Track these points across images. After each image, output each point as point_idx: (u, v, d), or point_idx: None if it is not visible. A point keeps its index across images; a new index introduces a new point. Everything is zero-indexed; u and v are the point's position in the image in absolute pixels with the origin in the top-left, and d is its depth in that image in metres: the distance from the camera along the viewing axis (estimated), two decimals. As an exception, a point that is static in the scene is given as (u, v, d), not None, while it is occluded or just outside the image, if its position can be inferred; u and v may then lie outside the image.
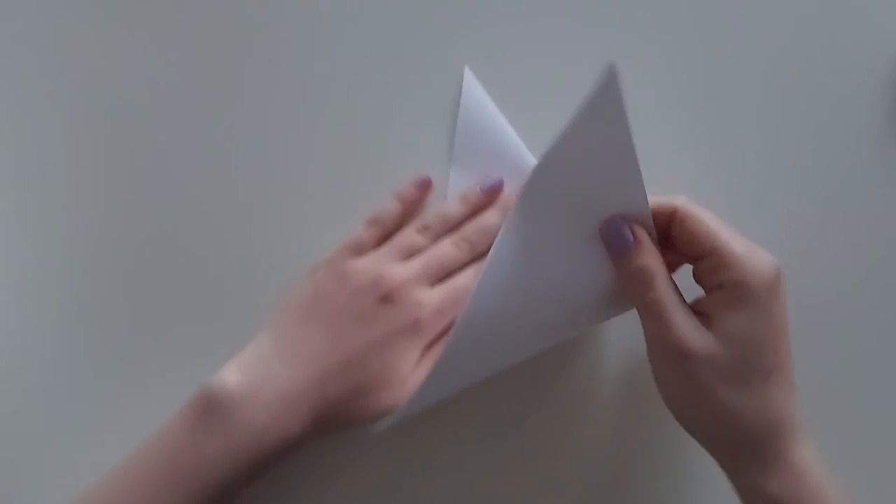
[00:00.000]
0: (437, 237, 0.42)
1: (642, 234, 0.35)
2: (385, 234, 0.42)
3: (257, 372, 0.37)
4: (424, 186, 0.43)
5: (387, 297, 0.39)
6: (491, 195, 0.42)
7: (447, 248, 0.41)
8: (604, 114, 0.31)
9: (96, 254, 0.43)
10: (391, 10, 0.43)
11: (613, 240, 0.35)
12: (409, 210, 0.43)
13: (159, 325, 0.43)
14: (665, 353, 0.35)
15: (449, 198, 0.43)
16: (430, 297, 0.39)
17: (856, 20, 0.43)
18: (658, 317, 0.34)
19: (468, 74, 0.43)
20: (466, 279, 0.40)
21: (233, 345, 0.39)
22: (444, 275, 0.41)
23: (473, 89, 0.43)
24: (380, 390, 0.38)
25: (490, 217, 0.42)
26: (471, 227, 0.42)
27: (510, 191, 0.42)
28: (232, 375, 0.37)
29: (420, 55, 0.43)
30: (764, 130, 0.43)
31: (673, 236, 0.36)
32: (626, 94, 0.31)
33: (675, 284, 0.35)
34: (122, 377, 0.43)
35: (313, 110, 0.43)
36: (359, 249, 0.41)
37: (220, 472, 0.35)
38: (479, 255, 0.42)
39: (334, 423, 0.39)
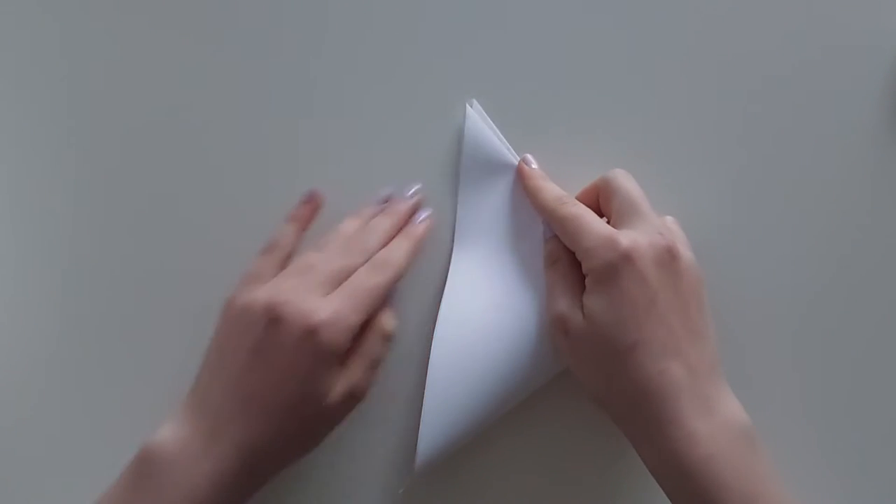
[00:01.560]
0: None
1: None
2: (283, 258, 0.41)
3: (188, 426, 0.36)
4: (312, 200, 0.42)
5: (274, 318, 0.36)
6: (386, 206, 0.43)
7: (333, 256, 0.39)
8: (479, 141, 0.43)
9: (95, 259, 0.44)
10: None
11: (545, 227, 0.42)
12: (303, 227, 0.42)
13: (160, 327, 0.43)
14: (552, 326, 0.38)
15: (457, 235, 0.43)
16: (324, 302, 0.37)
17: (856, 20, 0.43)
18: (550, 292, 0.39)
19: (471, 109, 0.43)
20: (360, 277, 0.38)
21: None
22: (335, 282, 0.38)
23: (477, 123, 0.43)
24: (308, 415, 0.36)
25: (379, 220, 0.41)
26: (359, 232, 0.41)
27: (519, 221, 0.43)
28: (164, 433, 0.36)
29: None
30: (763, 130, 0.43)
31: None
32: (485, 120, 0.42)
33: (579, 271, 0.38)
34: (125, 379, 0.43)
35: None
36: (257, 280, 0.39)
37: None
38: (372, 253, 0.40)
39: (281, 461, 0.37)
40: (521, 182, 0.42)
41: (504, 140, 0.43)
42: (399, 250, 0.40)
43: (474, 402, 0.39)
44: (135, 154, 0.45)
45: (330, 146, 0.44)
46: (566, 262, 0.39)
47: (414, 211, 0.43)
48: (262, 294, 0.37)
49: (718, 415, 0.35)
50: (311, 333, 0.36)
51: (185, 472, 0.35)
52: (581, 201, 0.40)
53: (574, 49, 0.44)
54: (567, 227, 0.38)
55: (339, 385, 0.37)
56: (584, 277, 0.38)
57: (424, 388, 0.39)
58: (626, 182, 0.39)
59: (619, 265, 0.35)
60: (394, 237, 0.41)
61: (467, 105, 0.44)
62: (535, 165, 0.42)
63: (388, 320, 0.39)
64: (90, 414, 0.43)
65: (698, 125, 0.43)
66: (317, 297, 0.37)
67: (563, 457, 0.42)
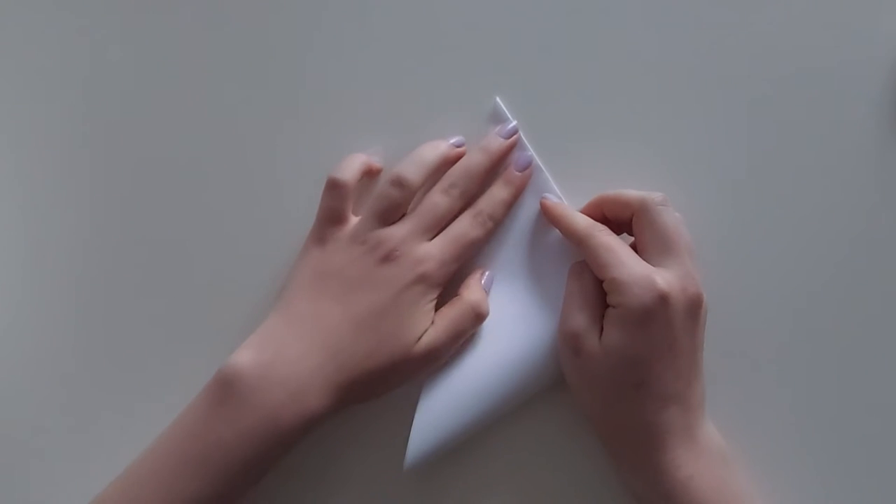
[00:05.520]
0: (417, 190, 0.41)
1: None
2: (349, 192, 0.41)
3: (270, 351, 0.37)
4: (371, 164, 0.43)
5: (388, 257, 0.39)
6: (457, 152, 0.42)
7: (437, 198, 0.41)
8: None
9: (102, 250, 0.45)
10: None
11: None
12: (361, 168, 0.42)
13: (172, 315, 0.44)
14: (564, 341, 0.38)
15: None
16: (431, 249, 0.39)
17: (856, 21, 0.43)
18: (568, 303, 0.39)
19: (498, 103, 0.43)
20: (462, 225, 0.40)
21: (246, 330, 0.39)
22: (440, 226, 0.40)
23: (502, 115, 0.43)
24: (394, 352, 0.38)
25: (473, 158, 0.41)
26: (455, 172, 0.41)
27: (534, 222, 0.42)
28: (244, 357, 0.37)
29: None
30: (763, 131, 0.43)
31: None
32: (510, 114, 0.42)
33: (602, 291, 0.38)
34: (137, 369, 0.43)
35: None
36: (338, 218, 0.41)
37: (239, 452, 0.35)
38: (471, 199, 0.41)
39: (354, 392, 0.38)
40: (546, 214, 0.41)
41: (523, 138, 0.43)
42: (502, 205, 0.41)
43: (469, 406, 0.39)
44: (143, 155, 0.45)
45: (351, 143, 0.44)
46: (590, 277, 0.39)
47: (510, 150, 0.42)
48: (375, 234, 0.39)
49: (700, 440, 0.37)
50: (419, 278, 0.38)
51: (269, 392, 0.36)
52: (604, 204, 0.40)
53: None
54: (600, 256, 0.37)
55: (426, 337, 0.38)
56: (604, 295, 0.38)
57: (422, 387, 0.40)
58: (667, 216, 0.38)
59: (652, 309, 0.35)
60: (487, 174, 0.42)
61: (496, 98, 0.43)
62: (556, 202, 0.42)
63: (484, 302, 0.40)
64: (96, 411, 0.43)
65: (700, 126, 0.43)
66: (424, 242, 0.39)
67: (561, 456, 0.42)
